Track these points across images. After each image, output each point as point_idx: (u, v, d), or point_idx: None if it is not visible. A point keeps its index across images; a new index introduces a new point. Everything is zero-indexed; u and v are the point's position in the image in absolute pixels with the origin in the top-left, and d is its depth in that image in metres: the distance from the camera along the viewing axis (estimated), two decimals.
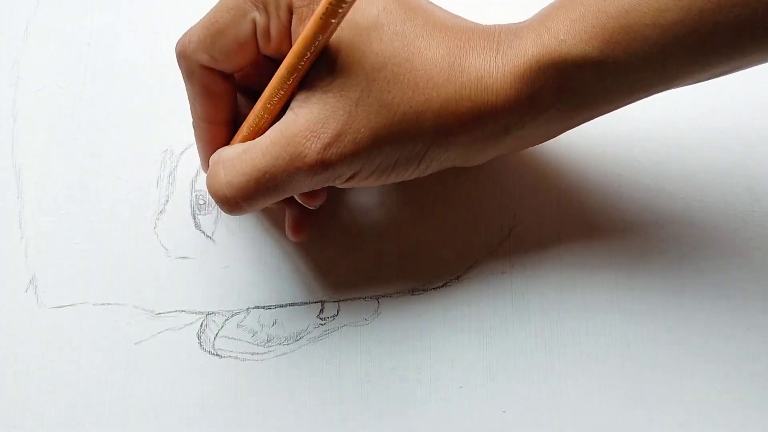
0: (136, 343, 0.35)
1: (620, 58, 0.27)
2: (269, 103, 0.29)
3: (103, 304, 0.36)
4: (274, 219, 0.36)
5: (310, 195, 0.32)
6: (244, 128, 0.31)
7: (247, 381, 0.35)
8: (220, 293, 0.36)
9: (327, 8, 0.26)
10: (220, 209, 0.30)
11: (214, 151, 0.32)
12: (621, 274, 0.35)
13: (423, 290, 0.36)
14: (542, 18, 0.29)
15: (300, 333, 0.35)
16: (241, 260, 0.36)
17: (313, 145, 0.28)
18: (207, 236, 0.36)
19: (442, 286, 0.36)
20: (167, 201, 0.37)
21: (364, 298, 0.36)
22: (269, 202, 0.30)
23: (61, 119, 0.38)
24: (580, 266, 0.36)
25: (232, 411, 0.34)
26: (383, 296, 0.36)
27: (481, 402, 0.34)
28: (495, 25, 0.30)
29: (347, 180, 0.30)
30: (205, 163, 0.33)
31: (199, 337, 0.35)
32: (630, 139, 0.37)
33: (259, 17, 0.29)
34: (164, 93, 0.38)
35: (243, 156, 0.29)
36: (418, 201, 0.36)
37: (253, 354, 0.35)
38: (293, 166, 0.28)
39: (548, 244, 0.36)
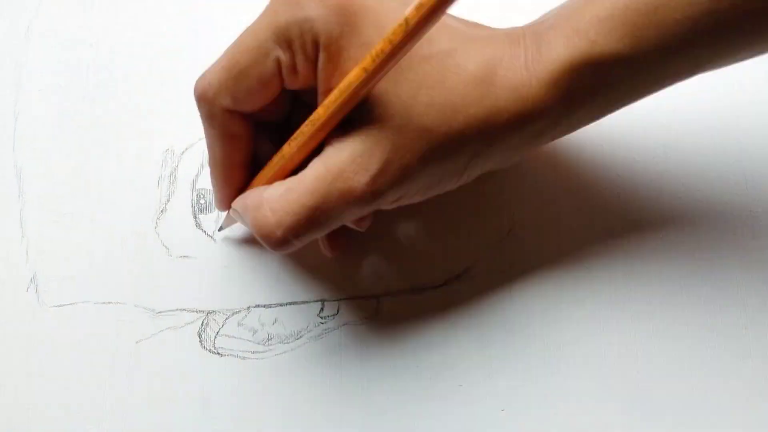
0: (136, 342, 0.35)
1: (651, 52, 0.27)
2: (303, 144, 0.29)
3: (103, 303, 0.36)
4: None
5: (359, 219, 0.32)
6: (273, 167, 0.30)
7: (248, 379, 0.35)
8: (221, 292, 0.36)
9: (379, 57, 0.25)
10: (269, 249, 0.30)
11: (233, 190, 0.32)
12: (620, 274, 0.35)
13: (423, 289, 0.36)
14: (568, 17, 0.29)
15: (300, 332, 0.35)
16: (241, 259, 0.36)
17: (361, 178, 0.28)
18: (208, 235, 0.36)
19: (442, 285, 0.36)
20: (168, 200, 0.37)
21: (365, 297, 0.36)
22: (320, 235, 0.29)
23: (63, 119, 0.38)
24: (580, 266, 0.36)
25: (233, 409, 0.34)
26: (383, 295, 0.36)
27: (481, 401, 0.34)
28: (517, 29, 0.30)
29: (394, 201, 0.30)
30: (222, 203, 0.33)
31: (199, 336, 0.35)
32: (629, 139, 0.37)
33: (283, 56, 0.28)
34: (165, 93, 0.38)
35: (289, 196, 0.28)
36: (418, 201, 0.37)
37: (253, 352, 0.35)
38: (343, 200, 0.28)
39: (548, 243, 0.36)
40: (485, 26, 0.30)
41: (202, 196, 0.37)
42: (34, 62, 0.39)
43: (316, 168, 0.28)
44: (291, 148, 0.29)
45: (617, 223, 0.36)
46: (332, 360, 0.35)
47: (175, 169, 0.37)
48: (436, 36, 0.28)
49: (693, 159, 0.36)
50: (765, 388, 0.34)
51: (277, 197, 0.29)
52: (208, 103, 0.29)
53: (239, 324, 0.35)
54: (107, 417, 0.35)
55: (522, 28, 0.30)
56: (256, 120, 0.31)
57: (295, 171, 0.30)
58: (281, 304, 0.36)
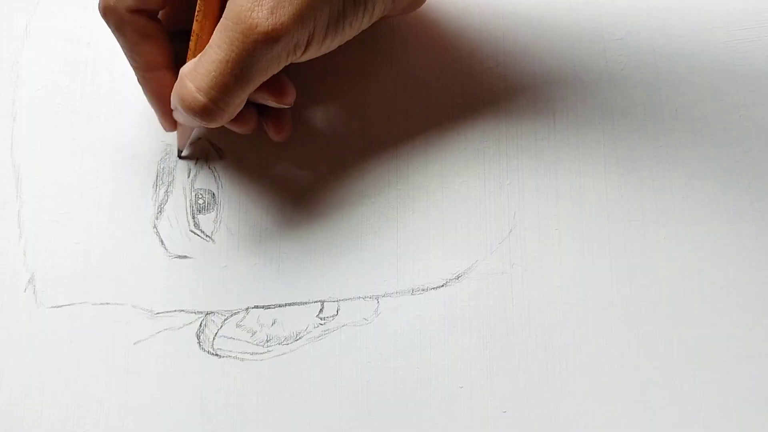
0: (134, 343, 0.35)
1: None
2: (208, 7, 0.30)
3: (101, 304, 0.36)
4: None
5: (280, 91, 0.32)
6: (192, 48, 0.31)
7: (247, 381, 0.35)
8: (220, 293, 0.36)
9: None
10: (203, 125, 0.30)
11: (168, 102, 0.32)
12: (621, 274, 0.35)
13: (423, 290, 0.36)
14: None
15: (299, 333, 0.35)
16: (240, 260, 0.36)
17: (260, 14, 0.28)
18: (206, 236, 0.36)
19: (442, 286, 0.36)
20: (166, 200, 0.37)
21: (364, 298, 0.36)
22: (243, 94, 0.30)
23: (61, 119, 0.38)
24: (580, 266, 0.36)
25: (232, 411, 0.34)
26: (383, 296, 0.36)
27: (482, 402, 0.34)
28: None
29: (306, 48, 0.30)
30: (164, 116, 0.34)
31: (198, 337, 0.35)
32: (630, 138, 0.37)
33: None
34: None
35: (201, 59, 0.29)
36: (419, 201, 0.36)
37: (252, 354, 0.35)
38: (250, 41, 0.28)
39: (548, 244, 0.36)
40: None
41: (200, 196, 0.37)
42: (32, 61, 0.39)
43: (218, 26, 0.29)
44: (198, 21, 0.30)
45: (618, 222, 0.36)
46: (332, 361, 0.35)
47: (174, 169, 0.37)
48: None
49: (694, 159, 0.36)
50: (766, 389, 0.34)
51: (193, 66, 0.29)
52: (113, 11, 0.31)
53: (238, 325, 0.35)
54: (105, 418, 0.34)
55: None
56: (169, 29, 0.33)
57: None
58: (280, 305, 0.36)
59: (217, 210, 0.36)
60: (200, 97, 0.29)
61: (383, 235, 0.36)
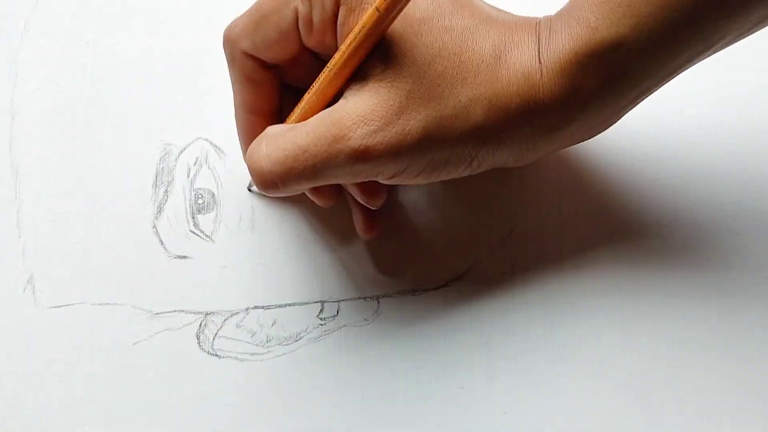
0: (134, 344, 0.35)
1: (655, 31, 0.27)
2: (320, 91, 0.29)
3: (101, 304, 0.36)
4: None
5: (370, 193, 0.32)
6: (293, 116, 0.31)
7: (247, 381, 0.35)
8: (219, 293, 0.36)
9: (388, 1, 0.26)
10: (258, 187, 0.30)
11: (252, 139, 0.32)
12: (621, 274, 0.35)
13: (423, 290, 0.36)
14: (570, 7, 0.29)
15: (299, 333, 0.35)
16: (240, 260, 0.36)
17: (358, 130, 0.28)
18: (206, 236, 0.36)
19: (442, 286, 0.36)
20: (166, 200, 0.37)
21: (364, 298, 0.36)
22: (305, 184, 0.29)
23: (60, 118, 0.38)
24: (581, 266, 0.36)
25: (231, 411, 0.34)
26: (383, 296, 0.35)
27: (482, 402, 0.34)
28: (535, 18, 0.30)
29: (392, 176, 0.29)
30: (244, 154, 0.33)
31: (198, 338, 0.35)
32: (630, 139, 0.37)
33: (301, 6, 0.29)
34: (163, 92, 0.38)
35: (287, 133, 0.29)
36: (419, 201, 0.36)
37: (252, 354, 0.35)
38: (334, 147, 0.28)
39: (549, 244, 0.36)
40: (511, 14, 0.31)
41: (200, 196, 0.37)
42: (31, 60, 0.39)
43: (320, 114, 0.29)
44: (309, 95, 0.30)
45: (619, 224, 0.36)
46: (332, 362, 0.35)
47: (173, 169, 0.37)
48: (459, 11, 0.29)
49: (695, 160, 0.36)
50: (766, 389, 0.34)
51: (277, 134, 0.29)
52: (230, 44, 0.31)
53: (238, 325, 0.35)
54: (105, 418, 0.34)
55: (541, 17, 0.30)
56: (284, 78, 0.32)
57: None
58: (280, 306, 0.35)
59: (216, 210, 0.36)
60: (264, 165, 0.29)
61: (383, 235, 0.36)
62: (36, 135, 0.38)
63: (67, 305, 0.36)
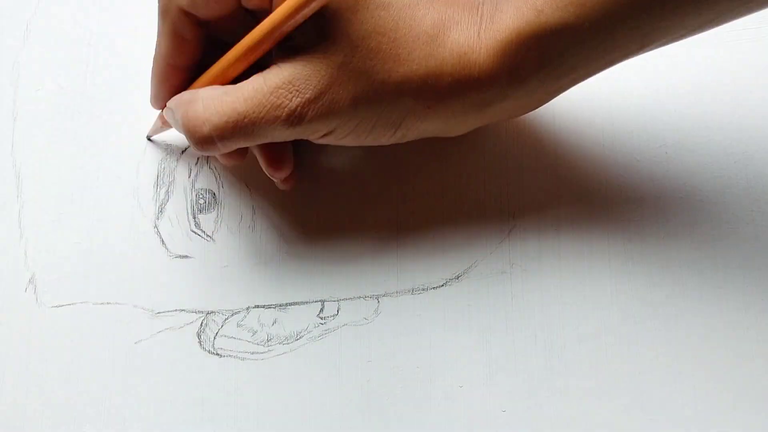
0: (135, 343, 0.35)
1: (597, 21, 0.28)
2: (247, 54, 0.30)
3: (102, 304, 0.36)
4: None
5: (275, 166, 0.33)
6: (213, 71, 0.31)
7: (247, 380, 0.35)
8: (220, 292, 0.36)
9: None
10: (192, 146, 0.31)
11: (168, 91, 0.33)
12: (621, 274, 0.35)
13: (423, 290, 0.36)
14: None
15: (300, 332, 0.35)
16: (241, 259, 0.36)
17: (294, 99, 0.29)
18: (207, 235, 0.36)
19: (442, 286, 0.36)
20: (167, 200, 0.37)
21: (365, 298, 0.36)
22: (241, 145, 0.30)
23: (61, 119, 0.38)
24: (580, 266, 0.36)
25: (232, 410, 0.34)
26: (383, 295, 0.36)
27: (481, 401, 0.34)
28: None
29: (322, 137, 0.31)
30: (157, 100, 0.34)
31: (198, 337, 0.35)
32: (630, 139, 0.37)
33: None
34: None
35: (224, 98, 0.30)
36: (418, 201, 0.36)
37: (253, 353, 0.35)
38: (272, 115, 0.29)
39: (548, 243, 0.36)
40: None
41: (201, 196, 0.37)
42: (32, 61, 0.39)
43: (256, 80, 0.30)
44: (232, 54, 0.31)
45: (618, 223, 0.36)
46: (332, 361, 0.35)
47: (174, 169, 0.37)
48: None
49: (694, 159, 0.36)
50: (765, 389, 0.34)
51: (213, 97, 0.30)
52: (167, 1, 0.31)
53: (239, 325, 0.35)
54: (105, 418, 0.34)
55: None
56: (210, 32, 0.32)
57: (234, 82, 0.31)
58: (281, 305, 0.36)
59: (217, 210, 0.36)
60: (204, 129, 0.30)
61: (383, 235, 0.36)
62: (37, 136, 0.38)
63: (69, 305, 0.36)
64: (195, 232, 0.36)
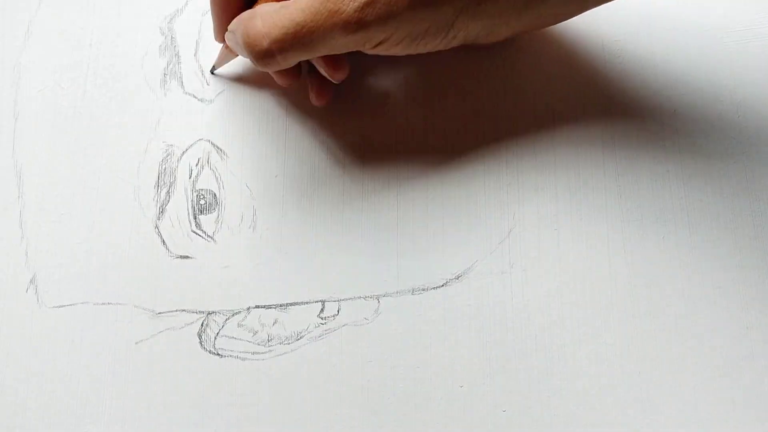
0: (136, 343, 0.35)
1: None
2: None
3: (103, 304, 0.36)
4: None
5: (335, 66, 0.34)
6: None
7: (248, 380, 0.35)
8: (221, 293, 0.36)
9: None
10: (254, 63, 0.32)
11: (228, 20, 0.34)
12: (620, 274, 0.35)
13: (423, 290, 0.36)
14: None
15: (300, 332, 0.35)
16: (241, 260, 0.36)
17: (350, 3, 0.30)
18: (208, 236, 0.36)
19: (442, 286, 0.36)
20: (168, 201, 0.37)
21: (365, 298, 0.36)
22: (302, 57, 0.31)
23: (62, 119, 0.38)
24: (580, 266, 0.36)
25: (233, 410, 0.34)
26: (383, 296, 0.36)
27: (481, 401, 0.34)
28: None
29: (376, 45, 0.31)
30: (220, 32, 0.35)
31: (199, 337, 0.35)
32: (629, 138, 0.37)
33: None
34: (164, 93, 0.38)
35: (282, 11, 0.31)
36: (419, 200, 0.37)
37: (253, 353, 0.35)
38: (330, 21, 0.30)
39: (548, 243, 0.36)
40: None
41: (201, 197, 0.37)
42: (33, 62, 0.39)
43: None
44: None
45: (617, 222, 0.36)
46: (332, 361, 0.35)
47: (175, 170, 0.37)
48: None
49: (694, 159, 0.36)
50: (765, 388, 0.34)
51: (270, 11, 0.31)
52: None
53: (239, 325, 0.35)
54: (106, 418, 0.34)
55: None
56: None
57: None
58: (281, 305, 0.36)
59: (218, 210, 0.36)
60: (265, 44, 0.31)
61: (383, 235, 0.36)
62: (39, 136, 0.38)
63: (70, 305, 0.36)
64: (196, 233, 0.36)
